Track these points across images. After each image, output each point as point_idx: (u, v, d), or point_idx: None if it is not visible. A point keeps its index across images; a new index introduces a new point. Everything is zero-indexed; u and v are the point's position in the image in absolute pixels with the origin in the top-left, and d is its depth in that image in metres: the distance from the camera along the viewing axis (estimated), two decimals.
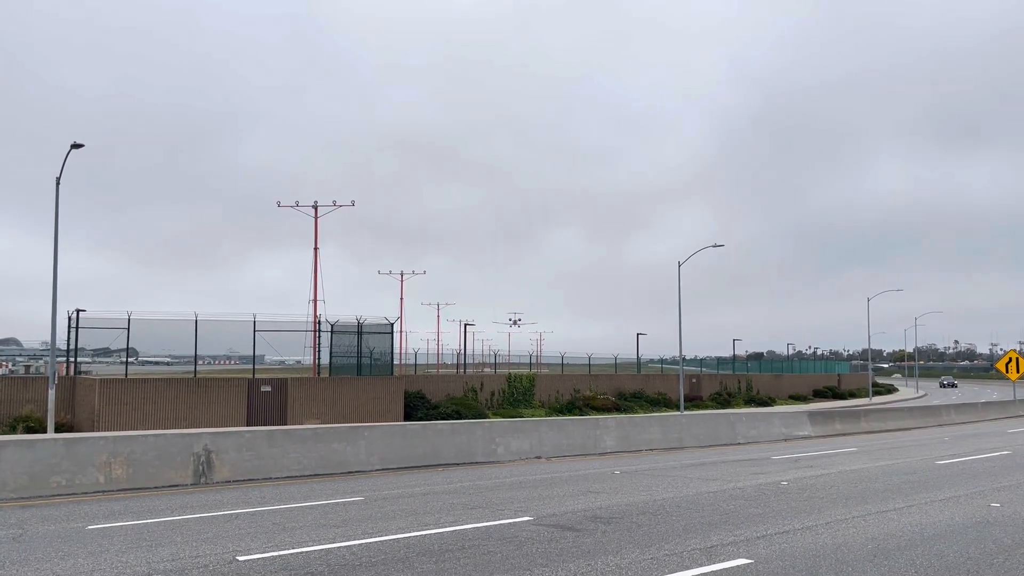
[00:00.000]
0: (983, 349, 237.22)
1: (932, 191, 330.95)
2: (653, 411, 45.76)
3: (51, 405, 26.41)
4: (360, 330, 36.20)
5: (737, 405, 55.08)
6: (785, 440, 25.61)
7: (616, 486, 14.13)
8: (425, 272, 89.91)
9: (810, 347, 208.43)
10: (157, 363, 62.02)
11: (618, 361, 60.33)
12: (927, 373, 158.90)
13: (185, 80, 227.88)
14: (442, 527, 10.02)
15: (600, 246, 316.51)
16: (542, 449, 19.67)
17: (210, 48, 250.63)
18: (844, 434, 28.21)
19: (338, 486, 14.25)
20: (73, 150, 26.79)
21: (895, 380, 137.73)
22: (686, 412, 35.92)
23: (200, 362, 34.95)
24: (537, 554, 8.43)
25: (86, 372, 35.63)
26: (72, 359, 33.25)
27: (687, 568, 7.78)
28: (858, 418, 30.61)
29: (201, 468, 14.53)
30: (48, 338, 28.13)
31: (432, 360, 78.48)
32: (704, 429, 23.84)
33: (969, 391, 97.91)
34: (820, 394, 70.29)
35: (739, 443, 24.14)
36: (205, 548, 8.77)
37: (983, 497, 12.74)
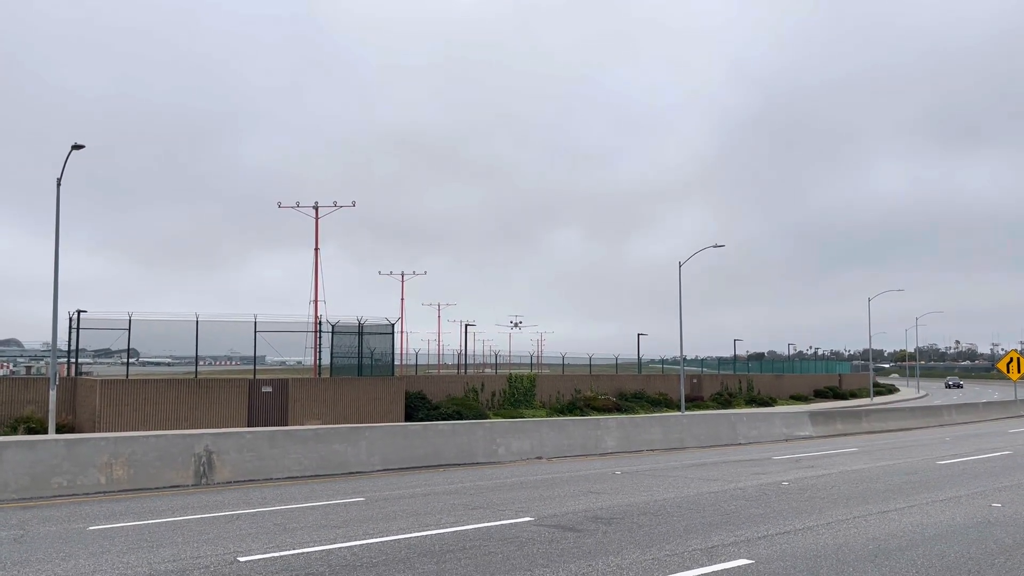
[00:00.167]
0: (984, 349, 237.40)
1: (932, 191, 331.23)
2: (654, 411, 45.75)
3: (52, 406, 26.43)
4: (361, 331, 36.20)
5: (738, 405, 55.07)
6: (786, 440, 25.60)
7: (617, 486, 14.13)
8: (426, 272, 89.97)
9: (811, 347, 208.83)
10: (158, 364, 61.99)
11: (619, 361, 60.32)
12: (928, 373, 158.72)
13: (185, 80, 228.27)
14: (443, 528, 10.02)
15: (600, 246, 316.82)
16: (543, 449, 19.67)
17: (210, 48, 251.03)
18: (845, 434, 28.20)
19: (339, 487, 14.25)
20: (74, 151, 26.81)
21: (896, 380, 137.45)
22: (687, 412, 35.91)
23: (201, 363, 34.94)
24: (538, 555, 8.43)
25: (87, 373, 35.63)
26: (73, 360, 33.25)
27: (688, 568, 7.78)
28: (859, 418, 30.59)
29: (202, 469, 14.53)
30: (49, 339, 28.17)
31: (433, 361, 78.55)
32: (705, 429, 23.84)
33: (970, 391, 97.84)
34: (821, 394, 70.27)
35: (740, 443, 24.13)
36: (206, 549, 8.77)
37: (984, 497, 12.73)
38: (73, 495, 13.12)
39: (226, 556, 8.40)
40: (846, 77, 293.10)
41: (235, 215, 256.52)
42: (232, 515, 11.12)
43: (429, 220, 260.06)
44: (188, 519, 10.81)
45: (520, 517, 10.80)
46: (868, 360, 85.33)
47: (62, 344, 30.28)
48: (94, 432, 27.27)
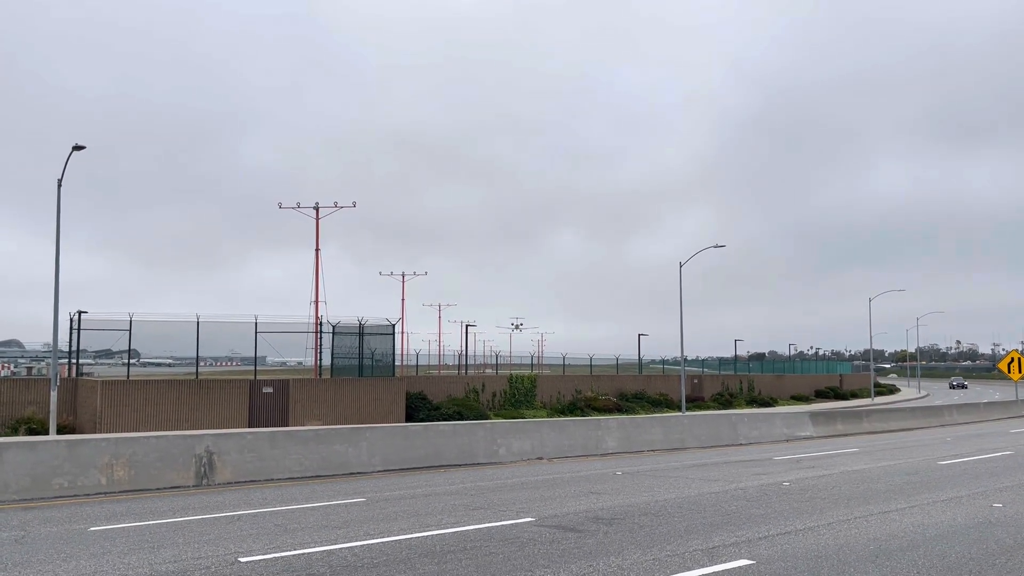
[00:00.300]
0: (985, 349, 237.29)
1: (933, 191, 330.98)
2: (655, 412, 45.75)
3: (53, 407, 26.44)
4: (361, 331, 36.21)
5: (739, 406, 55.06)
6: (787, 441, 25.60)
7: (618, 487, 14.12)
8: (426, 273, 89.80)
9: (812, 347, 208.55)
10: (159, 364, 62.05)
11: (619, 362, 60.30)
12: (929, 373, 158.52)
13: (185, 80, 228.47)
14: (444, 528, 10.02)
15: (601, 246, 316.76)
16: (544, 450, 19.67)
17: (210, 48, 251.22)
18: (846, 434, 28.19)
19: (340, 487, 14.25)
20: (75, 152, 26.82)
21: (896, 380, 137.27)
22: (688, 413, 35.91)
23: (202, 363, 34.95)
24: (539, 555, 8.43)
25: (88, 374, 35.66)
26: (74, 361, 33.29)
27: (689, 569, 7.78)
28: (860, 418, 30.58)
29: (203, 469, 14.54)
30: (50, 340, 28.17)
31: (434, 361, 78.55)
32: (706, 430, 23.84)
33: (972, 391, 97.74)
34: (822, 394, 70.25)
35: (741, 444, 24.13)
36: (207, 550, 8.78)
37: (985, 497, 12.72)
38: (74, 496, 13.13)
39: (227, 557, 8.41)
40: (846, 77, 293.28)
41: (235, 215, 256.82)
42: (233, 516, 11.12)
43: (429, 220, 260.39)
44: (189, 520, 10.82)
45: (521, 518, 10.80)
46: (869, 360, 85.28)
47: (63, 345, 30.31)
48: (95, 433, 27.29)
